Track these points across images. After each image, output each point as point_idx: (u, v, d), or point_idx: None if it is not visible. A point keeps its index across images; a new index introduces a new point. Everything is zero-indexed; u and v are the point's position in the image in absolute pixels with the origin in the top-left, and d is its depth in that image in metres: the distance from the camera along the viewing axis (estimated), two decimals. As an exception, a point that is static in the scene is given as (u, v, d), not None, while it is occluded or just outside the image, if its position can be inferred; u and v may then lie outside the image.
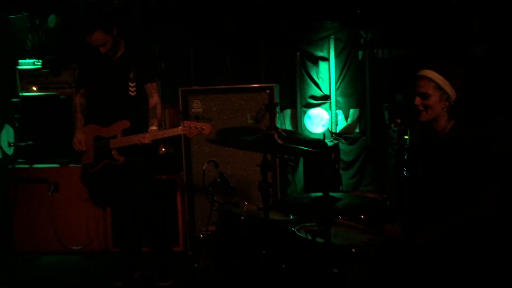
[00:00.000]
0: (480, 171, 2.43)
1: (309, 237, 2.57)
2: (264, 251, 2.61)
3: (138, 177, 3.65)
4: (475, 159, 2.43)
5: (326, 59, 4.98)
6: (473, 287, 2.42)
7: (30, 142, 4.58)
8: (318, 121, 4.98)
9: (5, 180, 4.51)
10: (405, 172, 2.57)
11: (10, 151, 4.66)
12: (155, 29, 4.97)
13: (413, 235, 2.40)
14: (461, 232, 2.41)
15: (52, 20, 4.86)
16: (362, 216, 2.93)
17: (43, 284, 3.92)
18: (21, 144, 4.58)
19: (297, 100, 5.01)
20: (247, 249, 2.89)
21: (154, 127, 3.52)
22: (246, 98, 4.28)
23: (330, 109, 4.99)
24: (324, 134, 4.90)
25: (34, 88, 4.61)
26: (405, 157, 2.55)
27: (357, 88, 4.99)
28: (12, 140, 4.66)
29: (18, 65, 4.66)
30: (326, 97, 5.01)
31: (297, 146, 2.78)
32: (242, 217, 2.98)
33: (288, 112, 5.07)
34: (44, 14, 4.88)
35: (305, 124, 5.02)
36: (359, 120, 5.02)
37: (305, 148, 2.77)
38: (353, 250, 2.58)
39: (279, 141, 2.73)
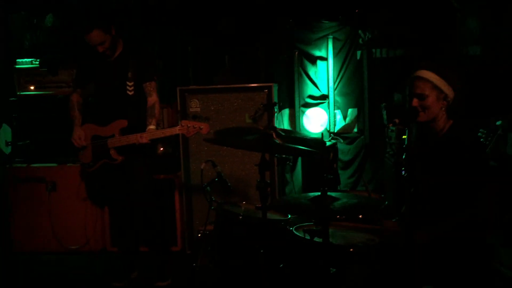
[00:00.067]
0: (480, 171, 2.43)
1: (307, 237, 2.57)
2: (262, 251, 2.60)
3: (136, 177, 3.65)
4: (475, 159, 2.43)
5: (324, 58, 4.99)
6: (472, 287, 2.43)
7: (28, 142, 4.57)
8: (317, 120, 4.99)
9: (3, 180, 4.50)
10: (403, 172, 2.56)
11: (7, 150, 4.65)
12: (155, 29, 4.97)
13: (412, 235, 2.40)
14: (461, 232, 2.42)
15: (49, 19, 4.85)
16: (360, 216, 2.93)
17: (40, 283, 3.91)
18: (19, 143, 4.57)
19: (295, 99, 5.02)
20: (245, 248, 2.88)
21: (152, 127, 3.52)
22: (244, 97, 4.28)
23: (329, 108, 4.99)
24: (322, 133, 4.90)
25: (32, 87, 4.60)
26: (403, 157, 2.54)
27: (356, 88, 4.99)
28: (9, 139, 4.65)
29: (16, 64, 4.65)
30: (325, 97, 5.01)
31: (295, 146, 2.78)
32: (240, 217, 2.97)
33: (286, 111, 5.08)
34: (42, 13, 4.87)
35: (303, 124, 5.02)
36: (357, 119, 5.03)
37: (303, 148, 2.77)
38: (351, 250, 2.58)
39: (277, 141, 2.73)
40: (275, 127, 2.79)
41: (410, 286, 2.39)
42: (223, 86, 4.34)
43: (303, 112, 5.02)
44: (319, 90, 5.02)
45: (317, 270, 2.58)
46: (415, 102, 2.55)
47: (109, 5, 4.70)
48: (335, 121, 5.01)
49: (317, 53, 5.00)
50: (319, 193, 2.48)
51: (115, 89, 3.60)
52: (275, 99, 4.33)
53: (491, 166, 2.59)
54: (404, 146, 2.45)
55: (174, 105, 4.48)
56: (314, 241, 2.57)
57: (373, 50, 4.87)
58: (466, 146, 2.46)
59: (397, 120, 2.58)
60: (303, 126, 5.02)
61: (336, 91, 5.00)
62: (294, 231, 2.82)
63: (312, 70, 5.03)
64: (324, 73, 5.00)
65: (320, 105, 5.02)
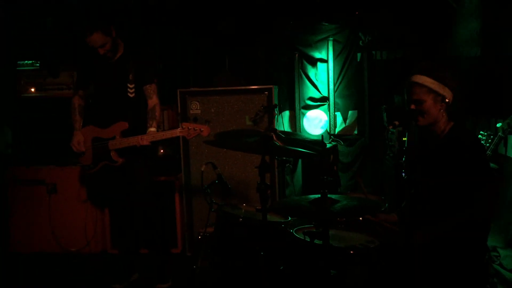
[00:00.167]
0: (479, 171, 2.43)
1: (307, 239, 2.57)
2: (262, 253, 2.61)
3: (136, 178, 3.65)
4: (474, 160, 2.44)
5: (324, 61, 5.00)
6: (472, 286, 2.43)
7: (28, 143, 4.57)
8: (317, 122, 4.99)
9: (4, 181, 4.50)
10: (403, 174, 2.57)
11: (8, 152, 4.65)
12: (155, 29, 4.96)
13: (411, 236, 2.40)
14: (460, 232, 2.42)
15: (49, 21, 4.85)
16: (360, 218, 2.93)
17: (40, 285, 3.91)
18: (20, 145, 4.58)
19: (295, 101, 5.02)
20: (245, 250, 2.88)
21: (153, 129, 3.52)
22: (244, 99, 4.28)
23: (329, 110, 4.99)
24: (322, 135, 4.90)
25: (33, 89, 4.61)
26: (403, 159, 2.55)
27: (356, 90, 5.00)
28: (10, 141, 4.66)
29: (17, 66, 4.65)
30: (325, 99, 5.01)
31: (296, 148, 2.78)
32: (240, 219, 2.98)
33: (286, 113, 5.08)
34: (43, 14, 4.86)
35: (304, 126, 5.03)
36: (357, 121, 5.03)
37: (304, 150, 2.77)
38: (352, 252, 2.58)
39: (278, 143, 2.73)
40: (276, 129, 2.79)
41: (410, 287, 2.40)
42: (223, 88, 4.35)
43: (304, 114, 5.03)
44: (320, 92, 5.03)
45: (317, 272, 2.58)
46: (413, 107, 2.56)
47: (109, 5, 4.69)
48: (335, 123, 5.02)
49: (318, 55, 5.01)
50: (319, 195, 2.48)
51: (116, 91, 3.60)
52: (276, 101, 4.34)
53: (491, 167, 2.58)
54: (404, 148, 2.45)
55: (174, 107, 4.49)
56: (314, 243, 2.58)
57: (373, 52, 4.87)
58: (466, 147, 2.46)
59: (397, 122, 2.59)
60: (303, 128, 5.02)
61: (336, 93, 5.00)
62: (294, 233, 2.82)
63: (312, 72, 5.03)
64: (324, 75, 5.00)
65: (321, 107, 5.03)
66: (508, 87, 4.10)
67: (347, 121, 5.04)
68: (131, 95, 3.60)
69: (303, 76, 5.04)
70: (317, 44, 5.00)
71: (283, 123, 5.05)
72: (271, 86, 4.30)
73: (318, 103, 5.03)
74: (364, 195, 3.07)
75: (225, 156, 4.30)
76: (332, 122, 4.99)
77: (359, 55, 4.96)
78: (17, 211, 4.49)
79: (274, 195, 4.27)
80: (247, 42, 4.93)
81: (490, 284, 2.87)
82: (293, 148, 2.79)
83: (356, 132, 5.04)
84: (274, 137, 2.70)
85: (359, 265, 2.56)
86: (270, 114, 4.20)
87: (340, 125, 5.04)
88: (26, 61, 4.67)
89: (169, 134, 3.49)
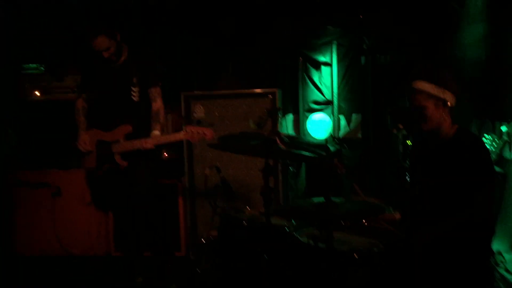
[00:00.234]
0: (480, 171, 2.42)
1: (311, 242, 2.56)
2: (266, 256, 2.60)
3: (138, 180, 3.65)
4: (476, 160, 2.43)
5: (328, 64, 4.99)
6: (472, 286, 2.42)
7: (33, 146, 4.59)
8: (321, 126, 4.98)
9: (8, 184, 4.52)
10: (407, 177, 2.56)
11: (12, 155, 4.67)
12: (155, 30, 4.95)
13: (411, 236, 2.40)
14: (460, 232, 2.41)
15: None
16: (364, 222, 2.92)
17: (44, 288, 3.93)
18: (24, 148, 4.59)
19: (299, 105, 5.02)
20: (248, 254, 2.88)
21: (156, 132, 3.53)
22: (248, 103, 4.29)
23: (333, 114, 4.99)
24: (326, 139, 4.90)
25: (37, 93, 4.63)
26: (407, 162, 2.55)
27: (360, 93, 4.99)
28: (14, 144, 4.67)
29: (21, 70, 4.67)
30: (329, 102, 5.01)
31: (299, 151, 2.78)
32: (244, 222, 2.97)
33: (290, 117, 5.08)
34: (46, 16, 4.85)
35: (308, 129, 5.02)
36: (361, 125, 5.02)
37: (307, 154, 2.77)
38: (355, 255, 2.57)
39: (281, 146, 2.73)
40: (279, 133, 2.79)
41: None
42: (227, 91, 4.36)
43: (307, 118, 5.02)
44: (323, 95, 5.02)
45: (320, 275, 2.57)
46: (415, 113, 2.55)
47: (109, 5, 4.69)
48: (339, 127, 5.01)
49: (322, 58, 5.01)
50: (323, 199, 2.48)
51: (120, 94, 3.61)
52: (279, 104, 4.34)
53: (495, 170, 2.58)
54: (408, 151, 2.45)
55: (177, 109, 4.49)
56: (318, 246, 2.57)
57: (377, 55, 4.87)
58: (471, 150, 2.45)
59: (401, 126, 2.59)
60: (307, 132, 5.02)
61: (340, 97, 4.99)
62: (298, 237, 2.81)
63: (316, 76, 5.03)
64: (328, 78, 5.00)
65: (324, 110, 5.02)
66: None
67: (351, 125, 5.03)
68: (135, 99, 3.61)
69: (307, 80, 5.03)
70: (321, 47, 4.99)
71: (287, 126, 5.05)
72: (274, 89, 4.30)
73: (322, 107, 5.03)
74: (362, 199, 3.06)
75: (229, 159, 4.30)
76: (336, 126, 4.98)
77: (363, 58, 4.95)
78: (22, 213, 4.51)
79: (278, 199, 4.26)
80: (250, 45, 4.93)
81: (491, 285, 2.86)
82: (296, 151, 2.79)
83: (360, 135, 5.02)
84: (277, 141, 2.70)
85: (362, 269, 2.55)
86: (273, 118, 4.20)
87: (344, 129, 5.03)
88: (31, 65, 4.69)
89: (173, 137, 3.50)
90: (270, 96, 4.27)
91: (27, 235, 4.49)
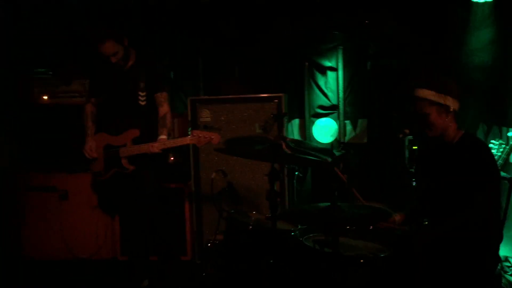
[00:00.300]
0: (481, 172, 2.42)
1: (317, 247, 2.57)
2: (271, 261, 2.61)
3: (144, 184, 3.67)
4: (482, 164, 2.43)
5: (334, 69, 5.00)
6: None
7: (40, 150, 4.61)
8: (327, 131, 4.98)
9: (15, 188, 4.54)
10: (413, 182, 2.57)
11: (20, 158, 4.69)
12: (155, 30, 4.96)
13: (413, 237, 2.40)
14: (460, 232, 2.40)
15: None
16: (371, 227, 2.92)
17: (51, 291, 3.94)
18: (32, 152, 4.62)
19: (305, 110, 5.02)
20: (254, 258, 2.89)
21: (163, 136, 3.55)
22: (254, 107, 4.30)
23: (339, 119, 4.99)
24: (332, 144, 4.90)
25: (45, 97, 4.66)
26: (414, 166, 2.55)
27: (366, 98, 4.99)
28: (22, 147, 4.70)
29: (30, 74, 4.71)
30: (335, 107, 5.01)
31: (305, 156, 2.78)
32: (250, 226, 2.98)
33: (296, 122, 5.08)
34: (46, 16, 4.85)
35: (314, 134, 5.02)
36: (367, 130, 5.02)
37: (313, 158, 2.77)
38: (362, 260, 2.57)
39: (287, 151, 2.74)
40: (285, 137, 2.80)
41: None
42: (233, 96, 4.37)
43: (313, 123, 5.03)
44: (329, 100, 5.03)
45: (326, 280, 2.57)
46: (419, 121, 2.56)
47: (109, 5, 4.70)
48: (345, 132, 5.01)
49: (327, 63, 5.01)
50: (329, 204, 2.48)
51: (127, 99, 3.64)
52: (285, 109, 4.34)
53: (499, 174, 2.57)
54: (414, 156, 2.45)
55: (184, 115, 4.51)
56: (324, 251, 2.57)
57: (383, 60, 4.87)
58: (474, 154, 2.45)
59: (407, 131, 2.59)
60: (313, 137, 5.02)
61: (346, 101, 5.00)
62: (304, 241, 2.81)
63: (322, 80, 5.03)
64: (334, 83, 5.00)
65: (330, 115, 5.02)
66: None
67: (357, 129, 5.02)
68: (142, 103, 3.63)
69: (313, 84, 5.04)
70: (327, 52, 5.00)
71: (293, 131, 5.05)
72: (280, 94, 4.31)
73: (328, 111, 5.03)
74: (362, 203, 3.06)
75: (235, 163, 4.31)
76: (342, 131, 4.98)
77: (369, 63, 4.95)
78: (29, 217, 4.53)
79: (284, 203, 4.26)
80: (256, 50, 4.94)
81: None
82: (302, 156, 2.80)
83: (366, 140, 5.02)
84: (283, 145, 2.71)
85: (368, 273, 2.55)
86: (279, 122, 4.20)
87: (349, 133, 5.03)
88: (39, 69, 4.72)
89: (179, 141, 3.51)
90: (276, 100, 4.27)
91: (34, 239, 4.52)
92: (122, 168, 3.60)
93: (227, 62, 4.94)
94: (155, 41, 4.98)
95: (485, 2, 4.30)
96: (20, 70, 4.70)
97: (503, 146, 3.70)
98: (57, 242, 4.47)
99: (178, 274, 3.84)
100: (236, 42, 4.91)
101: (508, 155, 3.69)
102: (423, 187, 2.68)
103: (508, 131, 4.17)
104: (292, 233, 2.95)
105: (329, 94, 5.02)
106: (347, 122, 5.02)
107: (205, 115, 4.35)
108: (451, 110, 2.53)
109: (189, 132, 3.95)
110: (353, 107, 5.01)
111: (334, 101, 5.01)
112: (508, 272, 3.78)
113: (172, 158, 4.38)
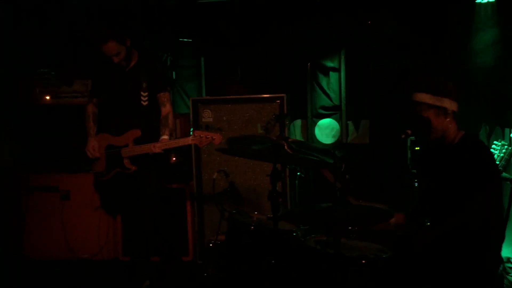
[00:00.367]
0: (480, 172, 2.41)
1: (319, 248, 2.56)
2: (273, 261, 2.60)
3: (146, 184, 3.67)
4: (482, 165, 2.42)
5: (336, 69, 5.00)
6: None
7: (42, 150, 4.62)
8: (329, 131, 4.98)
9: (17, 188, 4.55)
10: (415, 183, 2.56)
11: (22, 159, 4.70)
12: (155, 30, 4.97)
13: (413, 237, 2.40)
14: (460, 232, 2.40)
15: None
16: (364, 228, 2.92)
17: (53, 291, 3.94)
18: (33, 152, 4.63)
19: (307, 110, 5.02)
20: (256, 259, 2.88)
21: (165, 137, 3.55)
22: (256, 108, 4.30)
23: (341, 119, 4.99)
24: (334, 144, 4.89)
25: (47, 97, 4.67)
26: (416, 167, 2.55)
27: (368, 99, 4.99)
28: (24, 147, 4.71)
29: (31, 74, 4.71)
30: (337, 108, 5.01)
31: (307, 157, 2.78)
32: (252, 227, 2.97)
33: (298, 122, 5.08)
34: (46, 16, 4.85)
35: (316, 135, 5.02)
36: (369, 130, 5.01)
37: (315, 159, 2.77)
38: (363, 261, 2.57)
39: (289, 152, 2.73)
40: (287, 138, 2.79)
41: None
42: (235, 96, 4.37)
43: (315, 123, 5.02)
44: (332, 101, 5.02)
45: (328, 280, 2.57)
46: (418, 124, 2.56)
47: (109, 5, 4.70)
48: (347, 132, 5.00)
49: (330, 64, 5.01)
50: (331, 204, 2.48)
51: (129, 99, 3.64)
52: (288, 110, 4.34)
53: (499, 174, 2.57)
54: (416, 157, 2.45)
55: (186, 115, 4.51)
56: (326, 252, 2.57)
57: (385, 60, 4.86)
58: (474, 154, 2.45)
59: (409, 132, 2.59)
60: (315, 137, 5.02)
61: (348, 102, 5.00)
62: (306, 242, 2.81)
63: (324, 81, 5.03)
64: (336, 84, 5.00)
65: (333, 116, 5.02)
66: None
67: (359, 130, 5.02)
68: (144, 103, 3.64)
69: (315, 85, 5.04)
70: (329, 53, 5.00)
71: (295, 132, 5.05)
72: (282, 94, 4.31)
73: (330, 112, 5.03)
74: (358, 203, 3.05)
75: (236, 164, 4.30)
76: (344, 131, 4.98)
77: (371, 64, 4.95)
78: (31, 217, 4.53)
79: (286, 204, 4.26)
80: (258, 50, 4.94)
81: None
82: (304, 156, 2.79)
83: (368, 141, 5.02)
84: (285, 146, 2.71)
85: (368, 274, 2.54)
86: (281, 123, 4.20)
87: (352, 134, 5.02)
88: (41, 69, 4.73)
89: (181, 142, 3.51)
90: (278, 101, 4.27)
91: (36, 239, 4.52)
92: (124, 168, 3.60)
93: (229, 63, 4.94)
94: (156, 41, 4.98)
95: (488, 3, 4.30)
96: (21, 70, 4.71)
97: (506, 147, 3.69)
98: (58, 242, 4.48)
99: (180, 275, 3.84)
100: (238, 42, 4.92)
101: (510, 156, 3.67)
102: (424, 188, 2.68)
103: (510, 132, 4.16)
104: (294, 234, 2.95)
105: (332, 94, 5.02)
106: (349, 122, 5.01)
107: (207, 116, 4.35)
108: (450, 111, 2.53)
109: (191, 132, 3.95)
110: (355, 108, 5.00)
111: (336, 101, 5.01)
112: (510, 273, 3.77)
113: (174, 159, 4.38)
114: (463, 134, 2.57)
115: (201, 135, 3.39)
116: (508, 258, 3.93)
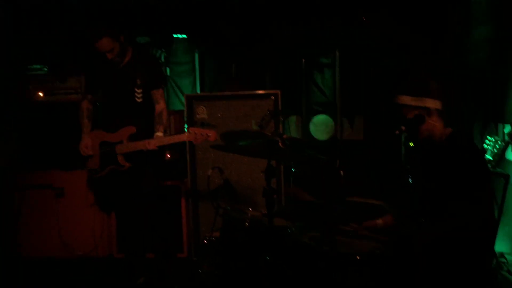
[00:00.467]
0: (475, 172, 2.42)
1: (313, 244, 2.57)
2: (268, 258, 2.61)
3: (142, 181, 3.66)
4: (470, 162, 2.43)
5: (331, 66, 5.00)
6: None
7: (36, 148, 4.60)
8: (323, 128, 4.99)
9: (11, 185, 4.53)
10: (410, 179, 2.57)
11: (16, 156, 4.68)
12: (155, 30, 4.96)
13: (411, 237, 2.40)
14: (458, 232, 2.41)
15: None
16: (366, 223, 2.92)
17: (47, 289, 3.94)
18: (27, 149, 4.61)
19: (302, 107, 5.03)
20: (251, 255, 2.89)
21: (160, 133, 3.55)
22: (251, 104, 4.29)
23: (336, 116, 4.99)
24: (329, 141, 4.90)
25: (41, 94, 4.64)
26: (410, 164, 2.55)
27: (363, 95, 5.00)
28: (18, 145, 4.68)
29: (25, 70, 4.69)
30: (331, 104, 5.01)
31: (302, 153, 2.78)
32: (247, 224, 2.98)
33: (293, 118, 5.09)
34: (46, 16, 4.84)
35: (310, 131, 5.03)
36: (364, 126, 5.02)
37: (310, 155, 2.77)
38: (358, 257, 2.58)
39: (283, 148, 2.73)
40: (281, 134, 2.80)
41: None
42: (230, 93, 4.36)
43: (310, 119, 5.03)
44: (326, 97, 5.03)
45: (322, 277, 2.58)
46: (406, 125, 2.58)
47: (109, 6, 4.69)
48: (342, 129, 5.01)
49: (324, 60, 5.02)
50: (325, 201, 2.48)
51: (123, 95, 3.63)
52: (282, 106, 4.34)
53: (486, 169, 2.58)
54: (410, 153, 2.46)
55: (180, 112, 4.50)
56: (321, 248, 2.57)
57: (380, 57, 4.87)
58: (462, 151, 2.46)
59: (403, 128, 2.59)
60: (310, 133, 5.02)
61: (343, 98, 5.00)
62: (301, 238, 2.81)
63: (319, 78, 5.04)
64: (331, 80, 5.01)
65: (327, 112, 5.03)
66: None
67: (354, 126, 5.03)
68: (138, 100, 3.63)
69: (310, 82, 5.04)
70: (324, 50, 5.00)
71: (290, 128, 5.05)
72: (277, 91, 4.30)
73: (325, 108, 5.04)
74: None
75: (231, 161, 4.30)
76: (338, 127, 4.99)
77: (366, 60, 4.95)
78: (25, 215, 4.51)
79: (280, 200, 4.27)
80: (253, 47, 4.94)
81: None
82: (299, 153, 2.79)
83: (362, 137, 5.03)
84: (279, 142, 2.71)
85: (364, 271, 2.55)
86: (276, 119, 4.20)
87: (346, 130, 5.03)
88: (35, 66, 4.70)
89: (176, 138, 3.51)
90: (272, 97, 4.27)
91: (30, 236, 4.50)
92: (118, 165, 3.59)
93: (224, 60, 4.94)
94: (150, 38, 4.97)
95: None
96: (18, 69, 4.69)
97: (499, 142, 3.71)
98: (53, 239, 4.46)
99: (175, 271, 3.84)
100: (232, 39, 4.91)
101: (503, 151, 3.69)
102: (416, 186, 2.69)
103: (504, 128, 4.18)
104: (289, 230, 2.95)
105: (326, 91, 5.03)
106: (344, 119, 5.02)
107: (201, 112, 4.35)
108: (433, 110, 2.54)
109: (186, 129, 3.95)
110: (350, 104, 5.01)
111: (331, 98, 5.02)
112: (503, 268, 3.79)
113: (168, 155, 4.37)
114: (451, 132, 2.58)
115: (196, 132, 3.39)
116: (502, 253, 3.96)
